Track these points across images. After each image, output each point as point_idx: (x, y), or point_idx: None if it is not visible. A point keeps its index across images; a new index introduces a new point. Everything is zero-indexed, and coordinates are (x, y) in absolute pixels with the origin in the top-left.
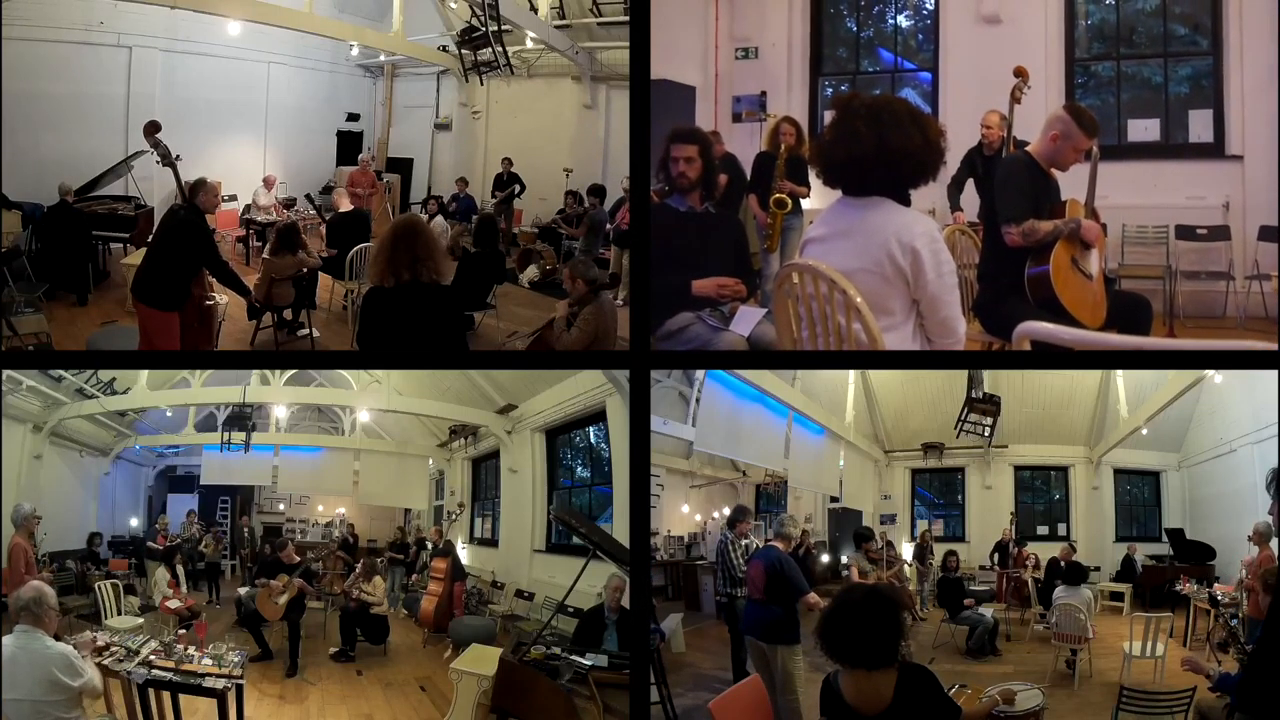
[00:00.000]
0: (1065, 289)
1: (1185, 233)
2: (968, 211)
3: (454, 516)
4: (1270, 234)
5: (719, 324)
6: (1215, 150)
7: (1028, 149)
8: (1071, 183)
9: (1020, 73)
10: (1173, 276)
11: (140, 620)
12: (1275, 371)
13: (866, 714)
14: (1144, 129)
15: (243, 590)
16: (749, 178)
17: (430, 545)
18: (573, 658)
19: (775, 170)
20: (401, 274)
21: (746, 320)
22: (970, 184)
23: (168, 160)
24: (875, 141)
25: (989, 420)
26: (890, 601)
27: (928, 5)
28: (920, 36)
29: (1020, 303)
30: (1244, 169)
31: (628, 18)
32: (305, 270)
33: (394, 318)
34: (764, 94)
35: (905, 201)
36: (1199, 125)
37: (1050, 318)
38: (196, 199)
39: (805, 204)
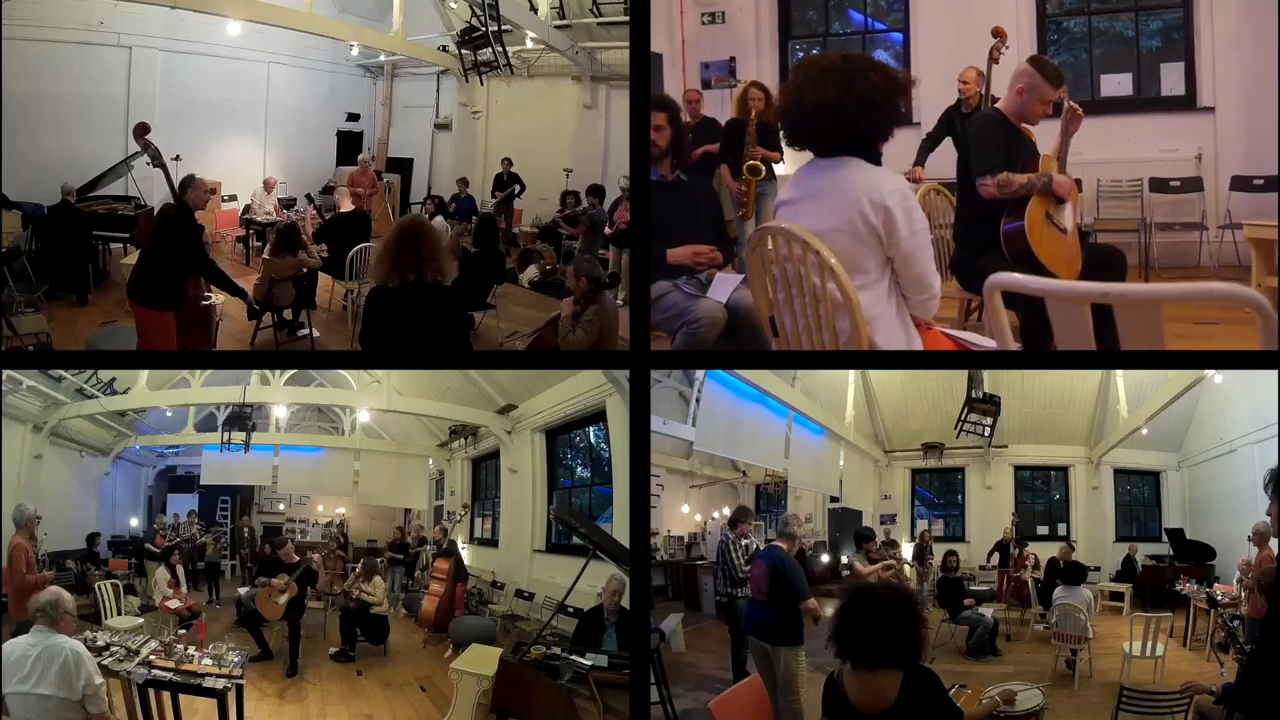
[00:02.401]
0: (1040, 244)
1: (1159, 185)
2: (944, 173)
3: (458, 517)
4: (1242, 184)
5: (696, 291)
6: (1187, 103)
7: (997, 105)
8: (1050, 141)
9: (998, 32)
10: (1147, 229)
11: (140, 620)
12: (1275, 371)
13: (869, 714)
14: (1117, 84)
15: (243, 590)
16: (719, 145)
17: (433, 545)
18: (573, 658)
19: (747, 137)
20: (406, 275)
21: (723, 287)
22: (947, 142)
23: (158, 161)
24: (838, 92)
25: (989, 420)
26: (911, 603)
27: None
28: None
29: (997, 259)
30: (1215, 120)
31: (628, 18)
32: (305, 270)
33: (398, 318)
34: (733, 59)
35: (876, 160)
36: (1171, 78)
37: (1027, 272)
38: (185, 196)
39: (779, 169)
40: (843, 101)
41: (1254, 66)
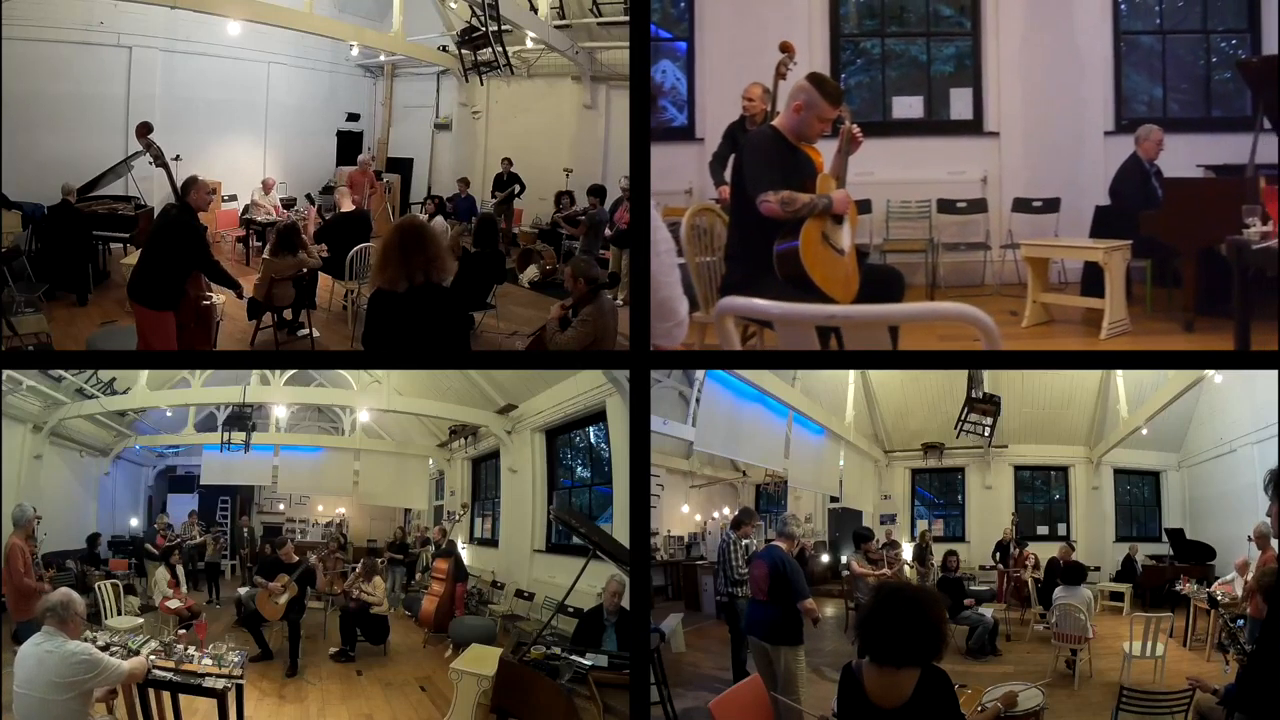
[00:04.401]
0: (815, 265)
1: (946, 206)
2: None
3: (457, 517)
4: (1022, 205)
5: None
6: (974, 127)
7: (774, 123)
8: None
9: (786, 48)
10: (934, 249)
11: (140, 620)
12: (1275, 371)
13: (883, 708)
14: (908, 106)
15: (243, 590)
16: None
17: (433, 545)
18: (573, 658)
19: None
20: (415, 276)
21: None
22: (734, 159)
23: (160, 161)
24: None
25: (989, 420)
26: (940, 605)
27: None
28: (680, 4)
29: (770, 282)
30: (1000, 144)
31: (628, 18)
32: (305, 270)
33: (406, 320)
34: None
35: None
36: (960, 103)
37: (800, 295)
38: (188, 197)
39: None
40: None
41: (1035, 94)
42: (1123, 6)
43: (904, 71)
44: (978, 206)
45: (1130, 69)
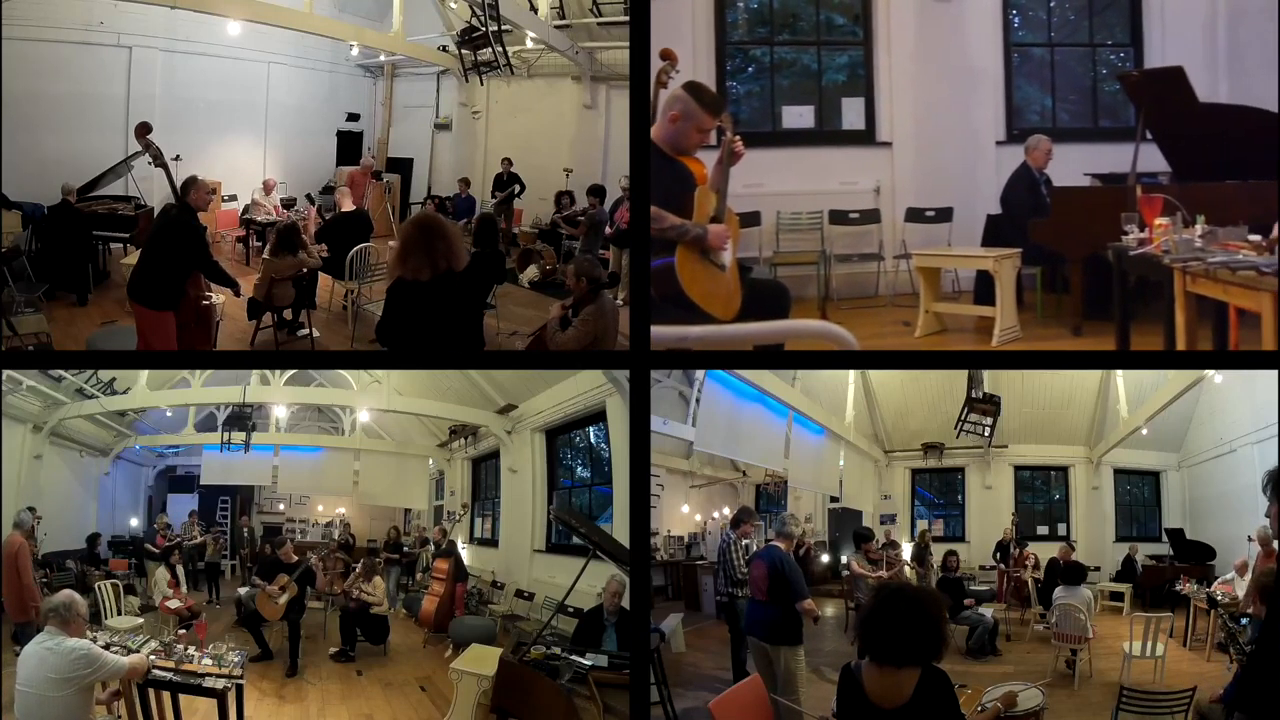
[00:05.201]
0: (693, 282)
1: (839, 217)
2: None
3: (458, 517)
4: (915, 215)
5: None
6: (867, 137)
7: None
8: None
9: (666, 55)
10: (827, 261)
11: (140, 620)
12: (1275, 371)
13: (883, 708)
14: (799, 115)
15: (243, 590)
16: None
17: (433, 545)
18: (573, 658)
19: None
20: (439, 264)
21: None
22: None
23: (159, 161)
24: None
25: (989, 420)
26: (941, 606)
27: None
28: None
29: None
30: (893, 154)
31: (628, 18)
32: (305, 270)
33: (428, 308)
34: None
35: None
36: (852, 112)
37: (680, 313)
38: (188, 197)
39: None
40: None
41: (928, 104)
42: (1015, 19)
43: (795, 80)
44: (870, 217)
45: (1022, 80)
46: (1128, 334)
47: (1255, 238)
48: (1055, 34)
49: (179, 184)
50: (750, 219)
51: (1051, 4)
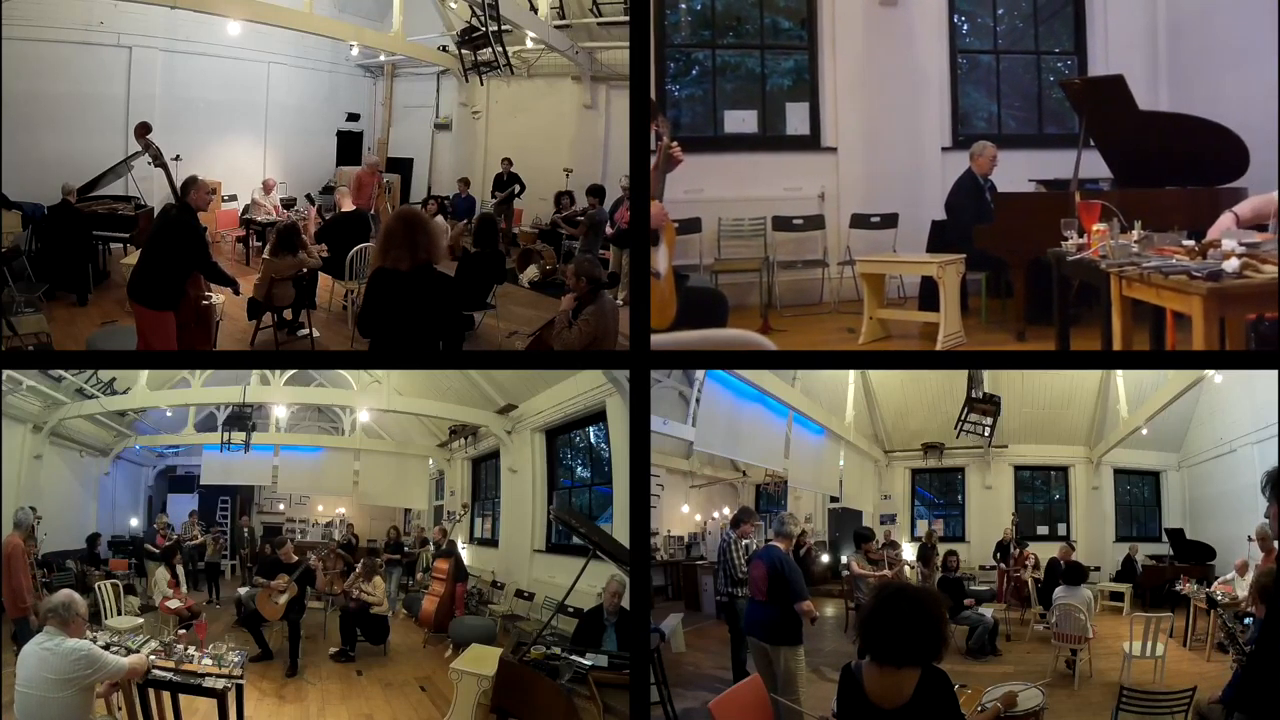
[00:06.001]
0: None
1: (782, 224)
2: None
3: (458, 518)
4: (860, 221)
5: None
6: (811, 143)
7: None
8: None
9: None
10: (769, 268)
11: (140, 620)
12: (1275, 371)
13: (883, 708)
14: (741, 120)
15: (243, 590)
16: None
17: (433, 545)
18: (573, 658)
19: None
20: (418, 255)
21: None
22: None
23: (159, 161)
24: None
25: (989, 420)
26: (941, 606)
27: None
28: None
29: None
30: (838, 160)
31: (628, 18)
32: (305, 270)
33: (405, 298)
34: None
35: None
36: (796, 118)
37: None
38: (188, 197)
39: None
40: None
41: (873, 109)
42: (964, 26)
43: (738, 84)
44: (815, 223)
45: (970, 86)
46: (1068, 338)
47: (1189, 243)
48: (1002, 41)
49: (179, 184)
50: (690, 225)
51: (999, 11)
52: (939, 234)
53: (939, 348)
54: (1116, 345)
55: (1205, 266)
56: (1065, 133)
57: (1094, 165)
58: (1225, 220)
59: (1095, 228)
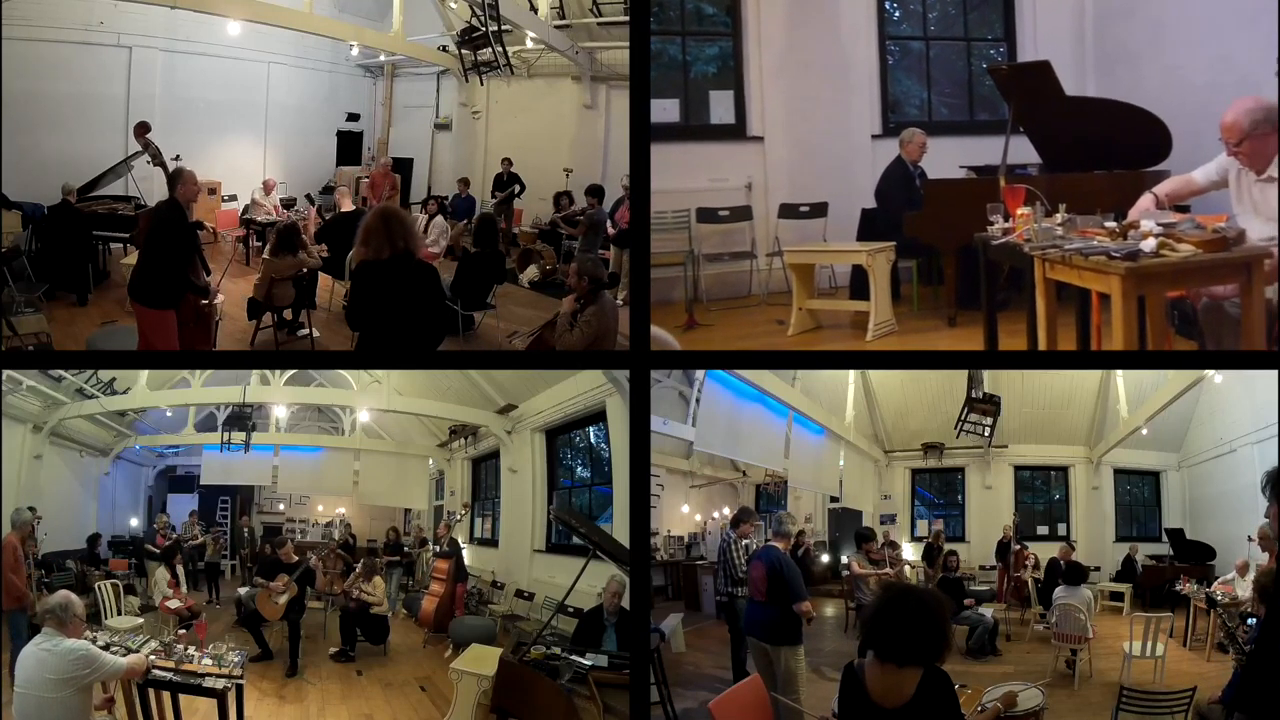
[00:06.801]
0: None
1: (707, 215)
2: None
3: (458, 518)
4: (789, 211)
5: None
6: (737, 131)
7: None
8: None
9: None
10: (694, 261)
11: (140, 620)
12: (1275, 371)
13: (885, 707)
14: (663, 109)
15: (243, 590)
16: None
17: (434, 545)
18: (573, 658)
19: None
20: (396, 244)
21: None
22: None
23: (158, 160)
24: None
25: (989, 420)
26: (946, 607)
27: None
28: None
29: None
30: (765, 149)
31: (628, 18)
32: (305, 270)
33: (387, 286)
34: None
35: None
36: (721, 106)
37: None
38: (174, 192)
39: None
40: None
41: (800, 97)
42: (895, 13)
43: (660, 72)
44: (742, 214)
45: (902, 73)
46: (995, 322)
47: (1111, 224)
48: (933, 28)
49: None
50: None
51: None
52: (869, 222)
53: (869, 338)
54: (1040, 328)
55: (1124, 247)
56: (996, 119)
57: (1024, 151)
58: (1145, 201)
59: (1020, 212)
